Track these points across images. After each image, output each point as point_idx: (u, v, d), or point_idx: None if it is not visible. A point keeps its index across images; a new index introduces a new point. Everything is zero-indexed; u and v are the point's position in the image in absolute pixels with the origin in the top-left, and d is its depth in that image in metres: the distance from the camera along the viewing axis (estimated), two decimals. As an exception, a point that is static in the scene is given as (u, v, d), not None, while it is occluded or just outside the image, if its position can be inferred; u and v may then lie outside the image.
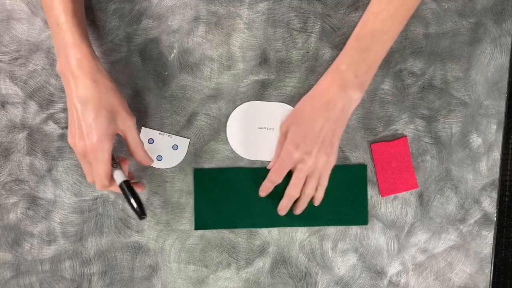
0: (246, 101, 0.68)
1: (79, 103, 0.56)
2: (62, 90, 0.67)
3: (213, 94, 0.68)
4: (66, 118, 0.67)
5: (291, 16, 0.68)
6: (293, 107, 0.67)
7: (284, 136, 0.64)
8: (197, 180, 0.68)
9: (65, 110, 0.67)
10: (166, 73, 0.68)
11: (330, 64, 0.64)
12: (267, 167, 0.68)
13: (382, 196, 0.68)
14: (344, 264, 0.69)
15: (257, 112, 0.68)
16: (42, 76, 0.67)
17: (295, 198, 0.66)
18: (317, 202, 0.67)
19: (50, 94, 0.67)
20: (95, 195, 0.68)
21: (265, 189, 0.67)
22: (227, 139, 0.68)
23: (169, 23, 0.67)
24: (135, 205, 0.57)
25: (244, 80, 0.68)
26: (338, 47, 0.68)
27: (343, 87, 0.60)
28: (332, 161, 0.64)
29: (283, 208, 0.67)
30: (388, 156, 0.68)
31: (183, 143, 0.67)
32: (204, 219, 0.68)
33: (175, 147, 0.67)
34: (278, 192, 0.68)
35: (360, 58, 0.60)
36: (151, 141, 0.67)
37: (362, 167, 0.69)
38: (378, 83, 0.69)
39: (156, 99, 0.68)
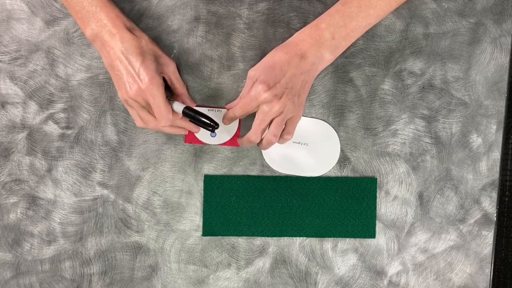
0: None
1: (123, 54, 0.59)
2: (62, 90, 0.67)
3: (213, 94, 0.68)
4: (66, 118, 0.67)
5: (291, 16, 0.68)
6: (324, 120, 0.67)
7: (251, 80, 0.62)
8: (206, 187, 0.68)
9: (65, 110, 0.67)
10: (166, 73, 0.68)
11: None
12: (225, 106, 0.67)
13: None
14: (344, 264, 0.69)
15: None
16: (42, 76, 0.67)
17: (255, 143, 0.64)
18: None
19: (50, 94, 0.67)
20: (95, 195, 0.68)
21: (227, 117, 0.65)
22: (261, 152, 0.68)
23: (169, 23, 0.67)
24: (207, 121, 0.61)
25: (244, 80, 0.68)
26: (338, 47, 0.68)
27: (318, 43, 0.61)
28: (298, 115, 0.63)
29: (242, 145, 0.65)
30: None
31: None
32: (212, 226, 0.68)
33: None
34: (288, 203, 0.68)
35: (341, 22, 0.61)
36: None
37: (372, 180, 0.69)
38: (378, 83, 0.69)
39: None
